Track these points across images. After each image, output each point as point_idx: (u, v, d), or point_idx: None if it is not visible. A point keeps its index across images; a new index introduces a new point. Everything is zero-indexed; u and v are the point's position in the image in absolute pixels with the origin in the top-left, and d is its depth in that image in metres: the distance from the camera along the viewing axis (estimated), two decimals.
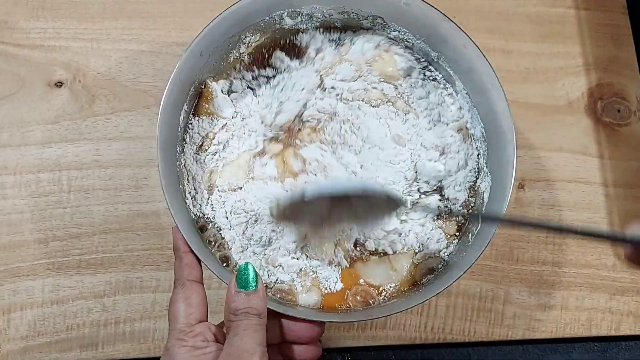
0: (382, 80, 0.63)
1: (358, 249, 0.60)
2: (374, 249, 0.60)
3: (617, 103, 0.76)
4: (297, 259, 0.59)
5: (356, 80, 0.63)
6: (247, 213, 0.58)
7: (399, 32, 0.63)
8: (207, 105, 0.61)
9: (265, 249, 0.58)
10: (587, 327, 0.70)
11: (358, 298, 0.59)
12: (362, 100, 0.63)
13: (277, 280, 0.58)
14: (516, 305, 0.69)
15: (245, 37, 0.61)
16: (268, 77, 0.63)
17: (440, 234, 0.61)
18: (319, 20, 0.63)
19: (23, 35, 0.70)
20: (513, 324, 0.69)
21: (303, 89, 0.62)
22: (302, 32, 0.63)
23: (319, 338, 0.53)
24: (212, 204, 0.59)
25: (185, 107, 0.59)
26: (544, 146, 0.73)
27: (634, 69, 0.77)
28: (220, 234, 0.58)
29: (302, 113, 0.61)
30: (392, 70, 0.63)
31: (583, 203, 0.72)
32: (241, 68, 0.63)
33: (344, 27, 0.64)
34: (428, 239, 0.61)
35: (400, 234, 0.60)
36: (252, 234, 0.58)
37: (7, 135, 0.67)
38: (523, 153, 0.72)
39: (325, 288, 0.59)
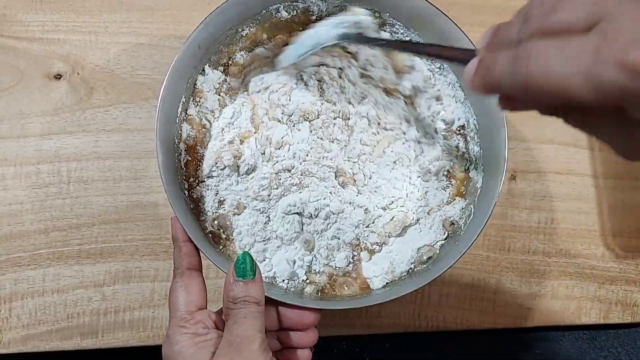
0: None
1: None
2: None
3: None
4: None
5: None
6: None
7: (394, 26, 0.64)
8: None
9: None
10: (577, 316, 0.71)
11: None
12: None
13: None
14: (507, 294, 0.70)
15: (243, 30, 0.62)
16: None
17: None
18: (315, 14, 0.64)
19: (22, 28, 0.71)
20: (504, 312, 0.70)
21: None
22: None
23: (315, 324, 0.55)
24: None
25: (183, 99, 0.60)
26: (535, 138, 0.74)
27: None
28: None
29: None
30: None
31: (574, 194, 0.73)
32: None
33: None
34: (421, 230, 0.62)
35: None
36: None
37: (7, 127, 0.68)
38: (515, 145, 0.73)
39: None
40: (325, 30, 0.60)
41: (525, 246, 0.72)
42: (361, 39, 0.60)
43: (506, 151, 0.57)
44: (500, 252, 0.71)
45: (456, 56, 0.46)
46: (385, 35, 0.64)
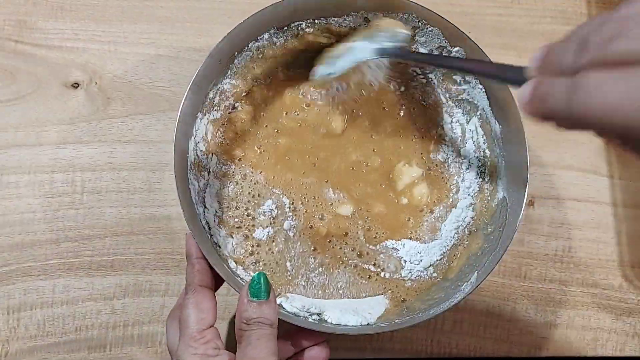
0: None
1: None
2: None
3: None
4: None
5: None
6: None
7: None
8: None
9: None
10: (593, 347, 0.70)
11: None
12: None
13: None
14: (522, 323, 0.69)
15: (265, 46, 0.62)
16: None
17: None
18: (336, 32, 0.63)
19: (41, 35, 0.71)
20: (519, 340, 0.69)
21: None
22: None
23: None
24: None
25: (199, 114, 0.59)
26: (554, 164, 0.73)
27: None
28: None
29: None
30: None
31: (592, 222, 0.72)
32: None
33: None
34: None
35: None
36: None
37: (23, 135, 0.68)
38: (534, 170, 0.72)
39: None
40: (362, 45, 0.59)
41: (542, 274, 0.70)
42: (402, 53, 0.58)
43: (527, 176, 0.56)
44: (516, 279, 0.70)
45: (504, 75, 0.44)
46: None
